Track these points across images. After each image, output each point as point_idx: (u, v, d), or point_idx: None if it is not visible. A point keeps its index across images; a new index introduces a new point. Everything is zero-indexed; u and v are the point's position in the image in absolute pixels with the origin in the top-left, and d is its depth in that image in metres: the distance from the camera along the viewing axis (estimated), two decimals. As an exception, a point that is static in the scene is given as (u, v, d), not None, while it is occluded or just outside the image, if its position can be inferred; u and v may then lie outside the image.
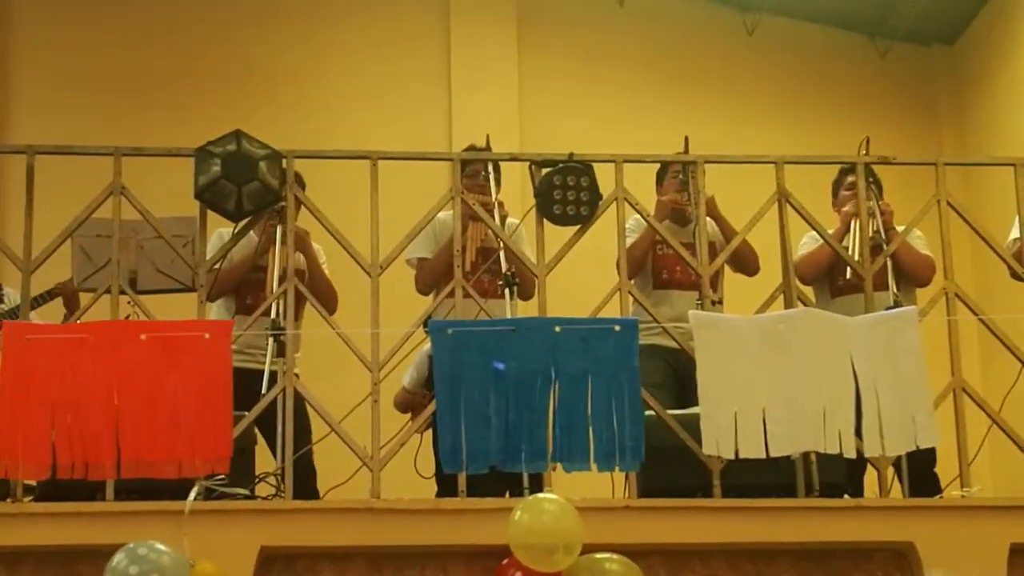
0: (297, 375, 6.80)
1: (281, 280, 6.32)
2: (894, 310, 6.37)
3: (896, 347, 6.11)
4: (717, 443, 5.95)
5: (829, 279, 7.21)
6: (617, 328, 6.06)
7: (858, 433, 6.03)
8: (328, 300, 7.02)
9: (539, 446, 5.90)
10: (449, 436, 5.89)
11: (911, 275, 7.19)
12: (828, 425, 5.98)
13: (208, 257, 6.34)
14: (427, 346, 6.66)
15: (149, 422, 5.75)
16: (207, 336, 5.87)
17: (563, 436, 5.91)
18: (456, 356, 5.94)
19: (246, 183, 6.15)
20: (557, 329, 6.01)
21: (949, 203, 6.54)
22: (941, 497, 6.45)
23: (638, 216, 6.81)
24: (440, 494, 6.60)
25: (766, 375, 6.04)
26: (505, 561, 5.72)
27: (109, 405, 5.76)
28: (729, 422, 5.95)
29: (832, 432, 5.98)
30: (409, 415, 7.29)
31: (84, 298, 6.62)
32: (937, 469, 6.83)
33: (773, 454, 5.95)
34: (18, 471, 5.74)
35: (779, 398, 6.01)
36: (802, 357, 6.05)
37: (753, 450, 5.95)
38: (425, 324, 6.28)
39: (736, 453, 5.95)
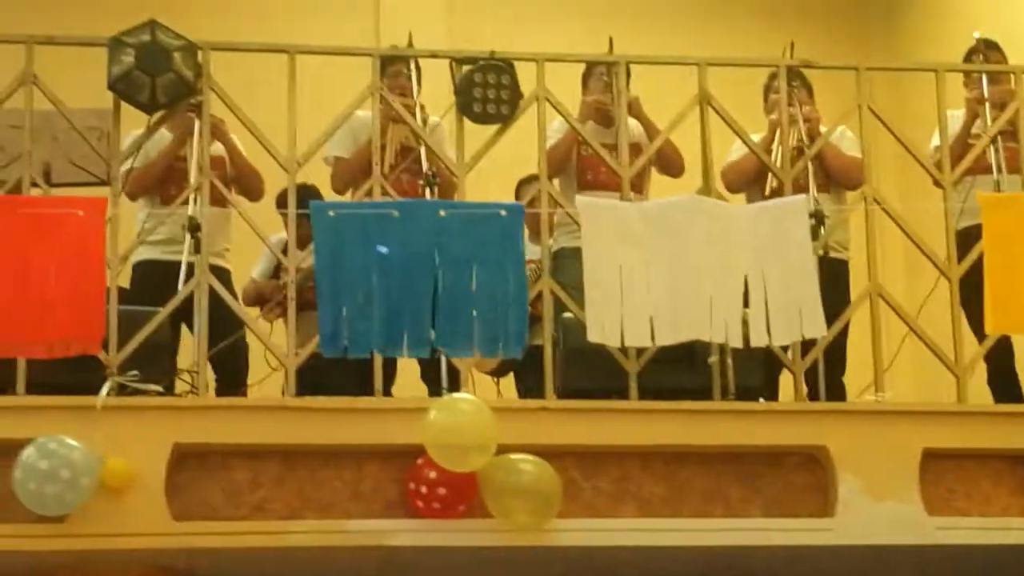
0: (227, 269, 6.79)
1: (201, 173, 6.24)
2: (781, 199, 6.34)
3: (784, 237, 6.11)
4: (603, 329, 5.93)
5: (758, 185, 7.19)
6: (503, 213, 6.00)
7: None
8: (253, 184, 7.00)
9: (422, 331, 5.85)
10: (330, 320, 5.83)
11: (839, 178, 7.19)
12: (714, 314, 5.97)
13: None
14: (276, 236, 6.60)
15: (19, 300, 5.67)
16: (81, 214, 5.77)
17: (446, 321, 5.86)
18: (338, 239, 5.87)
19: (160, 75, 6.05)
20: (442, 213, 5.96)
21: (871, 108, 6.53)
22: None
23: (563, 118, 6.76)
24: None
25: (652, 262, 6.02)
26: (419, 460, 5.72)
27: None
28: (615, 309, 5.93)
29: (719, 321, 5.97)
30: (259, 309, 7.24)
31: None
32: (857, 377, 6.86)
33: (659, 343, 5.96)
34: None
35: (665, 286, 5.99)
36: (689, 245, 6.04)
37: (639, 339, 5.95)
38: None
39: (622, 340, 5.94)
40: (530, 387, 6.54)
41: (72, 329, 5.67)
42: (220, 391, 6.28)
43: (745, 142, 6.69)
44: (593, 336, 5.93)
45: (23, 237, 5.71)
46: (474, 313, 5.86)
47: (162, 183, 6.88)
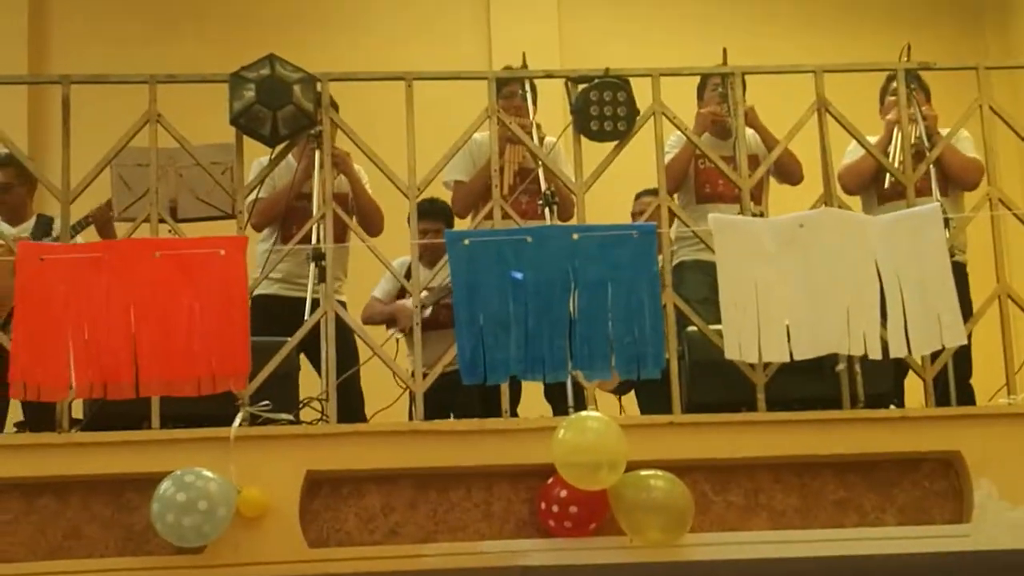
0: (344, 302, 6.84)
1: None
2: (916, 208, 6.29)
3: (919, 245, 6.04)
4: (740, 347, 5.91)
5: (875, 186, 7.15)
6: (635, 234, 5.98)
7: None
8: (374, 220, 7.03)
9: (559, 355, 5.84)
10: (468, 347, 5.84)
11: (957, 179, 7.12)
12: (852, 327, 5.92)
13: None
14: (400, 260, 6.64)
15: (166, 340, 5.74)
16: (222, 253, 5.83)
17: (583, 344, 5.84)
18: (473, 266, 5.87)
19: (281, 108, 6.12)
20: (575, 237, 5.94)
21: (991, 108, 6.46)
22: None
23: (680, 132, 6.76)
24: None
25: (787, 277, 5.98)
26: (550, 480, 5.74)
27: (126, 324, 5.75)
28: (752, 326, 5.90)
29: (857, 334, 5.92)
30: (384, 327, 7.32)
31: (124, 227, 6.61)
32: (984, 378, 6.78)
33: (797, 357, 5.91)
34: (38, 392, 5.75)
35: (801, 300, 5.95)
36: (823, 258, 5.98)
37: (777, 354, 5.92)
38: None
39: (760, 356, 5.92)
40: (653, 403, 6.53)
41: (219, 366, 5.73)
42: (341, 421, 6.28)
43: (863, 145, 6.65)
44: (731, 354, 5.92)
45: (168, 277, 5.78)
46: (611, 335, 5.85)
47: (284, 223, 6.95)
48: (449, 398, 6.41)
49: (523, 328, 5.84)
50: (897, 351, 5.97)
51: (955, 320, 5.98)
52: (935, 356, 6.16)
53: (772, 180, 7.25)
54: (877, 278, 5.99)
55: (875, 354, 5.93)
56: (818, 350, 5.94)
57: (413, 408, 6.18)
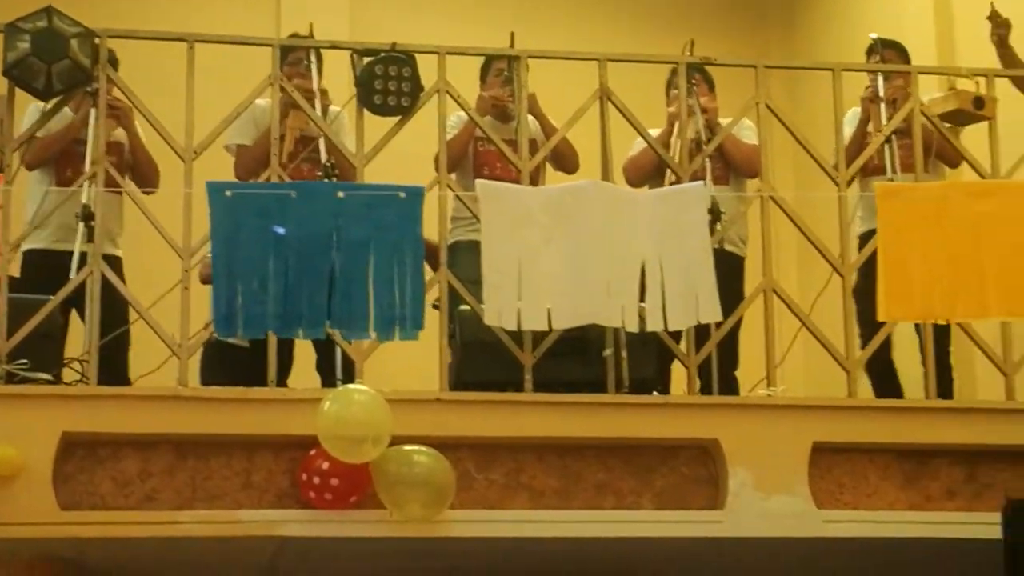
0: (119, 256, 6.73)
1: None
2: (682, 185, 6.39)
3: (683, 223, 6.14)
4: (500, 314, 5.94)
5: (659, 178, 7.23)
6: (402, 195, 5.99)
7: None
8: (149, 176, 6.97)
9: (318, 312, 5.83)
10: (224, 300, 5.79)
11: (740, 167, 7.28)
12: (612, 299, 5.99)
13: (25, 128, 6.26)
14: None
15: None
16: None
17: (343, 303, 5.83)
18: (234, 218, 5.82)
19: (56, 61, 6.00)
20: (340, 195, 5.93)
21: (768, 106, 6.59)
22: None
23: (461, 113, 6.77)
24: None
25: (551, 247, 6.02)
26: (312, 452, 5.70)
27: None
28: (513, 292, 5.95)
29: (615, 306, 5.99)
30: None
31: None
32: (749, 371, 6.92)
33: (555, 327, 5.97)
34: None
35: (564, 271, 6.00)
36: (588, 230, 6.04)
37: (536, 322, 5.96)
38: None
39: (519, 324, 5.95)
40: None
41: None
42: (103, 382, 6.18)
43: (643, 135, 6.73)
44: (490, 320, 5.94)
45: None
46: (371, 295, 5.84)
47: (58, 164, 6.83)
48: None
49: (282, 284, 5.79)
50: (654, 325, 6.06)
51: (711, 297, 6.09)
52: (700, 345, 6.27)
53: (548, 167, 7.30)
54: (639, 252, 6.06)
55: (632, 327, 6.01)
56: (577, 320, 6.00)
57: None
